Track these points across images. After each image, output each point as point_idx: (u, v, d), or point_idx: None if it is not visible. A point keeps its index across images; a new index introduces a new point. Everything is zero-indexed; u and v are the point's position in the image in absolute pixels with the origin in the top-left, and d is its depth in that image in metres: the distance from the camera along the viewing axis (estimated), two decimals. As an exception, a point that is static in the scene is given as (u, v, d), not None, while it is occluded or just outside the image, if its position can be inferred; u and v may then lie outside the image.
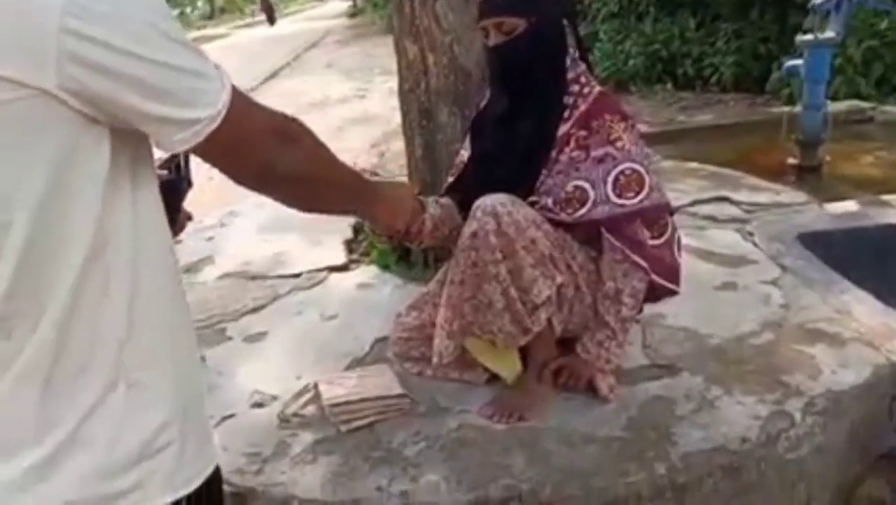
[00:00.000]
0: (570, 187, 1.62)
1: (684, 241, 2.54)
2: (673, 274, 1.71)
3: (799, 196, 2.91)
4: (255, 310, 2.29)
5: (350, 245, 2.74)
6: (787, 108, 4.28)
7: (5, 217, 0.63)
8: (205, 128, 0.70)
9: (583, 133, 1.63)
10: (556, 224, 1.65)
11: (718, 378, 1.76)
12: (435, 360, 1.69)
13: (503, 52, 1.64)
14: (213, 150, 0.73)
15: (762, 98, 6.75)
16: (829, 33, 3.49)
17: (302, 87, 10.73)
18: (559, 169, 1.64)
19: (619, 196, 1.61)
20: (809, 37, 3.56)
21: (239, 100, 0.73)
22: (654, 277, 1.66)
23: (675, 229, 1.72)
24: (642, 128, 5.63)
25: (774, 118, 4.27)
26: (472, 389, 1.78)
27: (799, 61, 3.71)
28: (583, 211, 1.62)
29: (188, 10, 33.50)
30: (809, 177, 3.65)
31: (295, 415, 1.73)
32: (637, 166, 1.62)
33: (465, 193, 1.72)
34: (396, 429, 1.66)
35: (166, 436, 0.75)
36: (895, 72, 5.48)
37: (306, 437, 1.66)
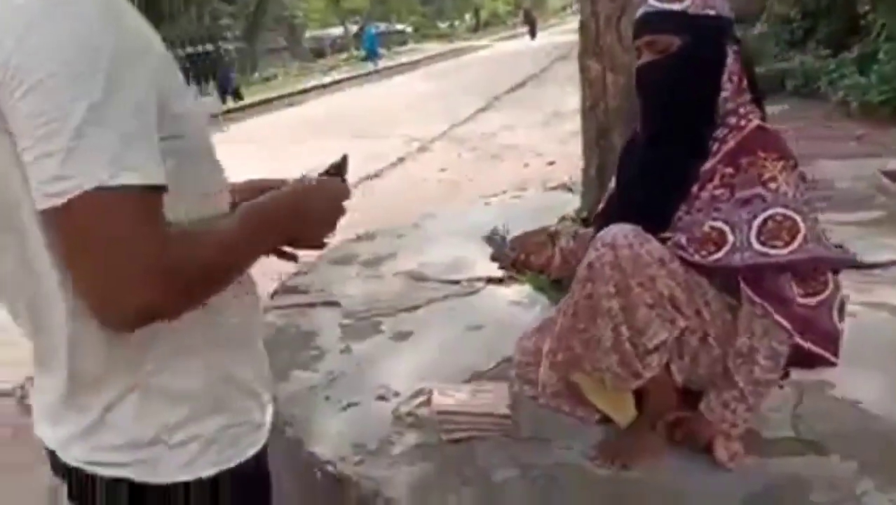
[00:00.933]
0: (707, 227, 1.48)
1: (891, 299, 2.18)
2: (828, 341, 1.47)
3: None
4: (410, 309, 2.42)
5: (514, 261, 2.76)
6: None
7: (18, 223, 0.67)
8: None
9: (729, 170, 1.47)
10: (694, 266, 1.52)
11: (875, 468, 1.48)
12: (539, 389, 1.65)
13: (650, 71, 1.54)
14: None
15: None
16: None
17: (543, 96, 10.91)
18: (699, 206, 1.50)
19: (764, 244, 1.42)
20: None
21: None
22: (801, 341, 1.45)
23: (837, 289, 1.47)
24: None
25: None
26: (581, 427, 1.71)
27: None
28: (718, 255, 1.46)
29: (456, 23, 35.86)
30: None
31: (408, 414, 1.81)
32: (791, 213, 1.42)
33: (607, 223, 1.66)
34: (495, 450, 1.66)
35: (182, 434, 0.75)
36: None
37: (411, 438, 1.73)
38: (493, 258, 1.71)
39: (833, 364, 1.51)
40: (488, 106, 11.36)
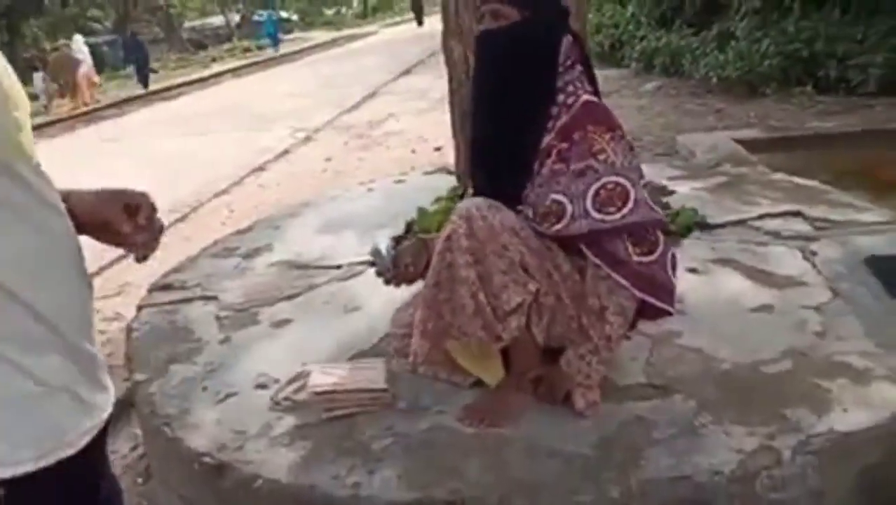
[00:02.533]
0: (548, 201, 1.59)
1: (735, 255, 2.41)
2: (665, 293, 1.62)
3: (883, 215, 2.61)
4: (289, 297, 2.43)
5: (398, 241, 2.82)
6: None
7: None
8: None
9: (564, 145, 1.59)
10: (541, 234, 1.63)
11: (713, 405, 1.65)
12: (411, 359, 1.72)
13: (487, 39, 1.63)
14: None
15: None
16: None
17: (430, 83, 10.98)
18: (540, 182, 1.61)
19: (600, 211, 1.55)
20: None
21: None
22: (641, 296, 1.59)
23: (668, 246, 1.63)
24: (759, 133, 5.29)
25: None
26: (457, 392, 1.80)
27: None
28: (559, 226, 1.58)
29: (343, 9, 35.31)
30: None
31: (286, 399, 1.83)
32: (621, 180, 1.56)
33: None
34: (373, 422, 1.71)
35: None
36: None
37: (290, 421, 1.76)
38: (378, 274, 1.77)
39: (671, 314, 1.67)
40: (375, 93, 11.33)
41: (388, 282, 1.75)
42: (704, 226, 2.59)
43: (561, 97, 1.61)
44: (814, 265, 2.29)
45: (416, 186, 3.61)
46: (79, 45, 14.64)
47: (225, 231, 4.44)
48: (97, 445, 0.93)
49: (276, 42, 22.58)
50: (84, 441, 0.88)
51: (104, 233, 0.98)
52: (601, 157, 1.55)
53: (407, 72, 13.49)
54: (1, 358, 0.80)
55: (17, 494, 0.81)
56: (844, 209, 2.70)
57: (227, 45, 24.15)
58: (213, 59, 21.78)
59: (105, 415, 0.94)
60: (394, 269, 1.72)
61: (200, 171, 6.79)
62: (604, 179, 1.55)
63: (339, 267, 2.63)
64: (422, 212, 2.77)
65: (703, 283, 2.25)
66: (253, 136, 8.59)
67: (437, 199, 2.81)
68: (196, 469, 1.66)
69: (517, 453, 1.57)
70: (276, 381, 1.93)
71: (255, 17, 27.38)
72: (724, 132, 5.22)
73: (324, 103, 10.37)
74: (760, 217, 2.70)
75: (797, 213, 2.69)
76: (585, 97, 1.62)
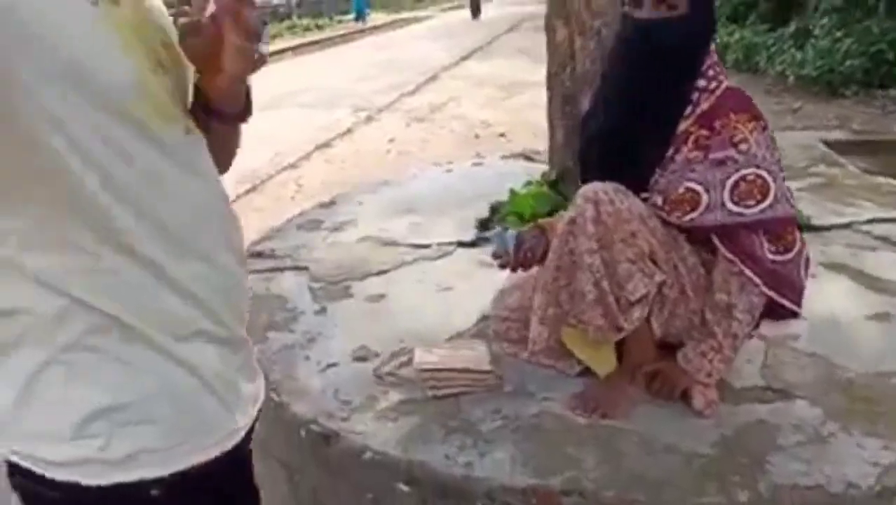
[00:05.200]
0: (682, 189, 1.52)
1: (845, 260, 2.31)
2: (795, 293, 1.55)
3: None
4: (380, 273, 2.42)
5: (483, 223, 2.79)
6: None
7: None
8: None
9: (704, 132, 1.52)
10: (670, 224, 1.57)
11: (840, 414, 1.58)
12: (529, 346, 1.68)
13: (657, 28, 1.50)
14: None
15: None
16: None
17: (491, 69, 10.90)
18: (674, 168, 1.55)
19: (737, 203, 1.48)
20: None
21: None
22: (773, 295, 1.52)
23: (803, 245, 1.55)
24: (843, 134, 5.09)
25: None
26: (562, 379, 1.76)
27: None
28: (693, 215, 1.52)
29: (402, -8, 35.25)
30: None
31: (389, 374, 1.82)
32: (763, 172, 1.48)
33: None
34: (479, 404, 1.69)
35: (94, 427, 0.70)
36: None
37: (394, 396, 1.74)
38: (496, 257, 1.73)
39: (798, 315, 1.60)
40: (436, 77, 11.28)
41: (503, 266, 1.72)
42: (809, 227, 2.49)
43: (702, 82, 1.54)
44: (930, 275, 2.18)
45: (496, 170, 3.57)
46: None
47: (295, 204, 4.49)
48: (248, 439, 0.87)
49: (363, 16, 23.04)
50: (239, 436, 0.83)
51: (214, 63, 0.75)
52: (742, 147, 1.48)
53: (466, 57, 13.38)
54: (150, 344, 0.72)
55: (171, 494, 0.75)
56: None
57: (286, 23, 24.35)
58: (274, 37, 21.97)
59: (259, 405, 0.89)
60: (515, 254, 1.68)
61: (267, 145, 6.85)
62: (744, 171, 1.48)
63: (427, 246, 2.61)
64: (513, 194, 2.73)
65: (815, 287, 2.13)
66: (316, 113, 8.63)
67: (528, 183, 2.76)
68: (303, 436, 1.66)
69: (633, 447, 1.52)
70: (377, 354, 1.92)
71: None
72: (809, 132, 5.03)
73: (384, 85, 10.35)
74: (869, 221, 2.58)
75: (907, 220, 2.57)
76: (727, 83, 1.55)
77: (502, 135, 6.92)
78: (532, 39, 13.42)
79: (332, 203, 3.21)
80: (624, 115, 1.56)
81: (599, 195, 1.50)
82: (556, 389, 1.72)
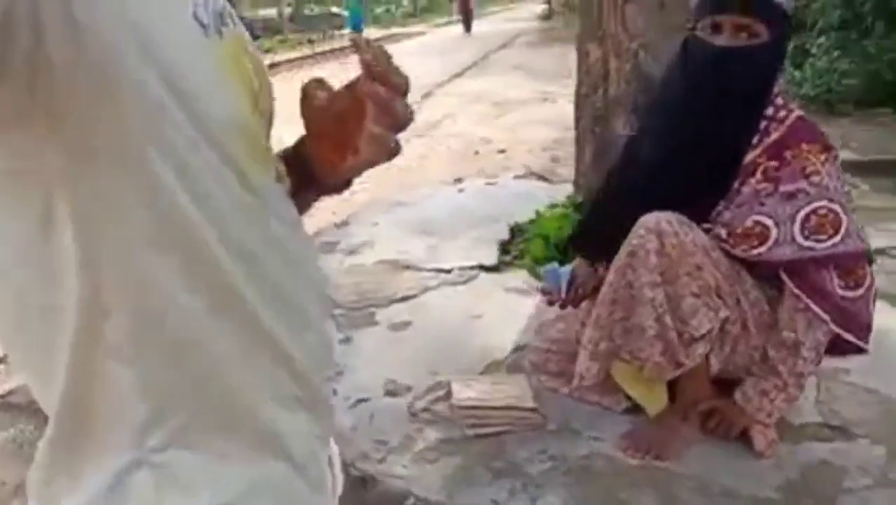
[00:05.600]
0: (749, 222, 1.45)
1: (886, 287, 2.24)
2: (864, 330, 1.48)
3: None
4: (404, 299, 2.33)
5: (504, 246, 2.71)
6: None
7: None
8: None
9: (773, 164, 1.45)
10: (733, 257, 1.50)
11: (904, 454, 1.51)
12: (575, 382, 1.60)
13: (736, 56, 1.44)
14: None
15: None
16: None
17: (485, 86, 10.90)
18: (741, 201, 1.47)
19: (808, 238, 1.42)
20: None
21: None
22: (840, 331, 1.45)
23: (873, 280, 1.48)
24: (849, 155, 5.09)
25: None
26: (608, 416, 1.67)
27: None
28: (761, 250, 1.45)
29: (393, 7, 35.45)
30: None
31: (425, 410, 1.73)
32: (835, 206, 1.42)
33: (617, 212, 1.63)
34: (523, 443, 1.60)
35: None
36: None
37: (432, 434, 1.65)
38: (545, 292, 1.71)
39: (865, 351, 1.52)
40: (430, 93, 11.25)
41: (552, 303, 1.65)
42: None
43: (770, 110, 1.47)
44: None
45: (510, 190, 3.51)
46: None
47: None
48: None
49: (359, 30, 22.85)
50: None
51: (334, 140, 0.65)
52: (814, 178, 1.42)
53: (460, 74, 13.39)
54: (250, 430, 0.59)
55: None
56: None
57: (278, 37, 24.32)
58: (267, 50, 21.94)
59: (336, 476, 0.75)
60: (567, 291, 1.61)
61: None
62: (815, 204, 1.41)
63: (449, 271, 2.52)
64: (538, 216, 2.66)
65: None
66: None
67: (553, 206, 2.69)
68: (340, 480, 1.56)
69: (690, 492, 1.44)
70: (408, 388, 1.83)
71: (306, 12, 27.47)
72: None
73: (379, 100, 10.27)
74: (901, 247, 2.53)
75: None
76: (797, 112, 1.48)
77: (502, 151, 6.86)
78: (525, 56, 13.49)
79: (345, 224, 3.13)
80: (686, 144, 1.49)
81: (663, 226, 1.42)
82: (603, 428, 1.64)
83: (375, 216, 3.20)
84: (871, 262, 1.50)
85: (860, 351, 1.52)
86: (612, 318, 1.51)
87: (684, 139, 1.50)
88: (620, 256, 1.48)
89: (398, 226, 3.05)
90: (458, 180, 4.11)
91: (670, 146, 1.52)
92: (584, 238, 1.71)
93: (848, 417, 1.64)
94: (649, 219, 1.45)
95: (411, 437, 1.64)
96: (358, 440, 1.64)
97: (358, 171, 0.65)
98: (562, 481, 1.48)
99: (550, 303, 1.66)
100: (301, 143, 0.68)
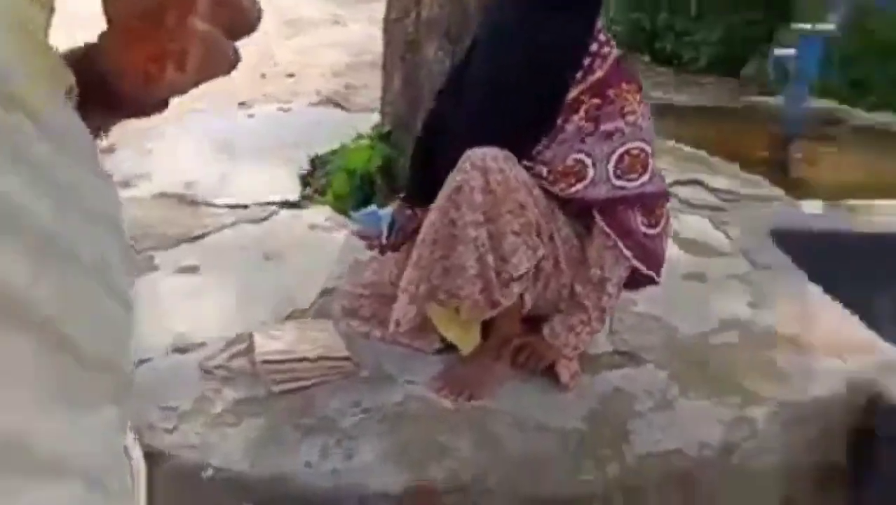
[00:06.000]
0: (570, 161, 1.45)
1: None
2: (660, 266, 1.58)
3: (775, 191, 2.82)
4: (192, 239, 2.07)
5: (305, 179, 2.52)
6: (767, 98, 4.20)
7: None
8: None
9: (595, 101, 1.45)
10: (547, 193, 1.49)
11: (681, 376, 1.66)
12: (392, 326, 1.52)
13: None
14: None
15: (734, 82, 6.66)
16: (828, 25, 3.38)
17: (272, 4, 10.11)
18: (563, 138, 1.46)
19: (620, 177, 1.45)
20: (806, 26, 3.43)
21: None
22: (641, 267, 1.53)
23: (668, 219, 1.57)
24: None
25: (752, 106, 4.21)
26: (421, 358, 1.63)
27: (790, 52, 3.59)
28: (578, 187, 1.46)
29: None
30: (781, 172, 3.57)
31: (220, 367, 1.54)
32: (646, 146, 1.46)
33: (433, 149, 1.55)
34: (334, 395, 1.50)
35: None
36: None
37: (230, 394, 1.49)
38: (363, 236, 1.62)
39: (657, 284, 1.63)
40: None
41: (371, 248, 1.54)
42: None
43: (595, 46, 1.45)
44: (727, 235, 2.40)
45: (305, 118, 3.27)
46: None
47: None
48: None
49: None
50: None
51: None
52: (630, 118, 1.44)
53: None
54: None
55: None
56: (740, 182, 2.87)
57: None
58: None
59: None
60: (388, 235, 1.50)
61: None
62: (629, 144, 1.44)
63: (245, 206, 2.28)
64: (343, 147, 2.49)
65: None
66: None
67: (359, 137, 2.53)
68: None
69: (507, 428, 1.46)
70: (201, 344, 1.63)
71: None
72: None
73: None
74: (671, 185, 2.77)
75: (700, 183, 2.81)
76: (615, 51, 1.48)
77: (291, 75, 6.45)
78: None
79: (111, 150, 2.68)
80: (512, 70, 1.44)
81: (488, 162, 1.37)
82: (416, 371, 1.60)
83: (148, 141, 2.79)
84: (667, 200, 1.58)
85: (653, 283, 1.63)
86: (433, 257, 1.44)
87: (507, 66, 1.45)
88: (444, 193, 1.41)
89: (178, 155, 2.69)
90: (243, 104, 3.74)
91: (489, 76, 1.47)
92: (416, 188, 1.63)
93: (636, 344, 1.76)
94: (475, 154, 1.39)
95: (206, 399, 1.47)
96: (142, 409, 1.42)
97: (181, 89, 0.46)
98: (377, 431, 1.42)
99: (370, 247, 1.55)
100: (100, 43, 0.47)
